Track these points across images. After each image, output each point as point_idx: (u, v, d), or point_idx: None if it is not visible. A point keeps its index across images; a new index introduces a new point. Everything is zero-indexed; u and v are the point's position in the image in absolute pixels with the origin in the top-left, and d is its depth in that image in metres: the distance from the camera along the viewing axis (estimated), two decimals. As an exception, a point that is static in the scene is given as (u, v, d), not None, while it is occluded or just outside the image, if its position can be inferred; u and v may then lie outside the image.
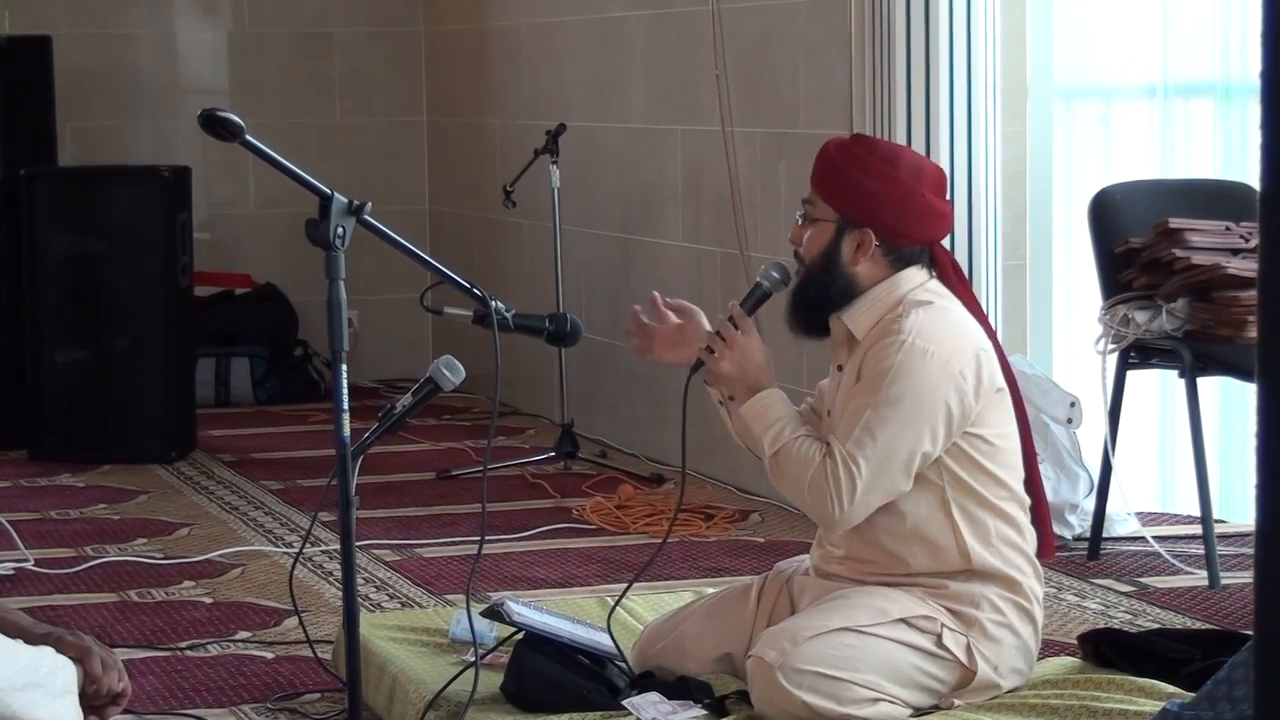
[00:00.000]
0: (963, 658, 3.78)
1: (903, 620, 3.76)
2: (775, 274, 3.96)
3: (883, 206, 3.83)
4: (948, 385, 3.73)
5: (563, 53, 7.98)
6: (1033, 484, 3.94)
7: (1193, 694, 3.45)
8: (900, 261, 3.86)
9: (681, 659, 4.00)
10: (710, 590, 4.49)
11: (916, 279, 3.86)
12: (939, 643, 3.77)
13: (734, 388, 3.89)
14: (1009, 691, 3.89)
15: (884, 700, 3.74)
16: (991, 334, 3.90)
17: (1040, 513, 3.95)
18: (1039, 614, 3.90)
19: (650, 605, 4.57)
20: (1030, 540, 3.89)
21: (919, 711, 3.80)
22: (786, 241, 4.03)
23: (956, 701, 3.82)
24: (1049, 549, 3.97)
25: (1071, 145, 6.36)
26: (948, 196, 3.99)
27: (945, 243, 4.03)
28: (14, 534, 5.83)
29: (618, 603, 4.19)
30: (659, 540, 5.96)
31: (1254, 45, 1.72)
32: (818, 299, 3.87)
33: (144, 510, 6.55)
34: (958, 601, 3.80)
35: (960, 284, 3.91)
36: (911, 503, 3.79)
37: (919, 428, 3.71)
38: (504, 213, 7.55)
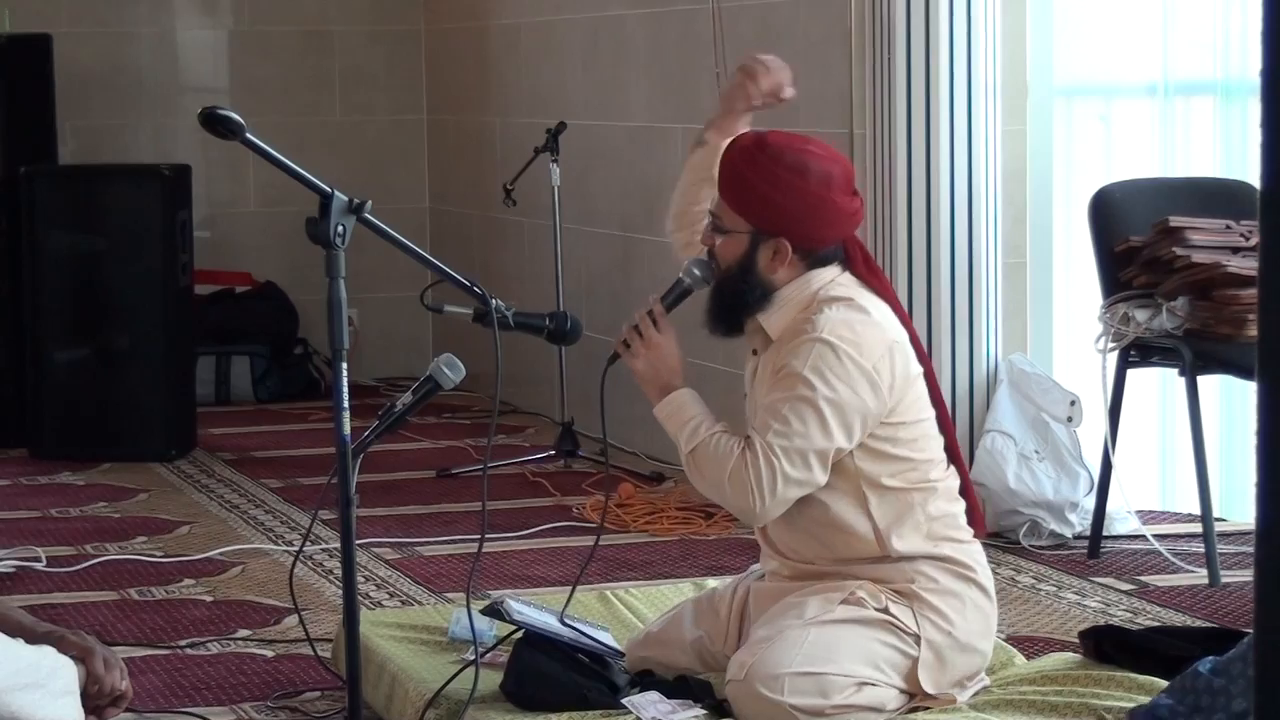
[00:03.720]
0: (911, 625, 3.78)
1: (847, 601, 3.77)
2: (697, 271, 3.94)
3: (793, 218, 3.83)
4: (862, 381, 3.75)
5: (563, 51, 7.98)
6: (955, 461, 3.94)
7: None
8: (816, 262, 3.87)
9: (665, 649, 4.02)
10: (712, 583, 4.50)
11: (828, 275, 3.87)
12: (888, 612, 3.78)
13: (646, 387, 3.92)
14: (1002, 684, 3.89)
15: (868, 684, 3.74)
16: (906, 320, 3.91)
17: (965, 490, 3.95)
18: (983, 578, 3.89)
19: (650, 601, 4.58)
20: (962, 511, 3.90)
21: (910, 698, 3.79)
22: (684, 263, 4.04)
23: (959, 698, 3.82)
24: (979, 525, 3.97)
25: (1072, 144, 6.36)
26: (858, 187, 3.98)
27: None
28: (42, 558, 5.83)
29: (570, 596, 4.18)
30: (661, 539, 5.98)
31: (1254, 44, 1.73)
32: (734, 305, 3.89)
33: (144, 508, 6.55)
34: (890, 580, 3.83)
35: (871, 274, 3.92)
36: (828, 494, 3.81)
37: (833, 423, 3.73)
38: (504, 211, 7.56)
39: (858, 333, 3.77)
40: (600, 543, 5.91)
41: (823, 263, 3.87)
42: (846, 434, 3.75)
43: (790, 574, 3.92)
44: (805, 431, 3.72)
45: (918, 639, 3.78)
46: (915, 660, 3.78)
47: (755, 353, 3.93)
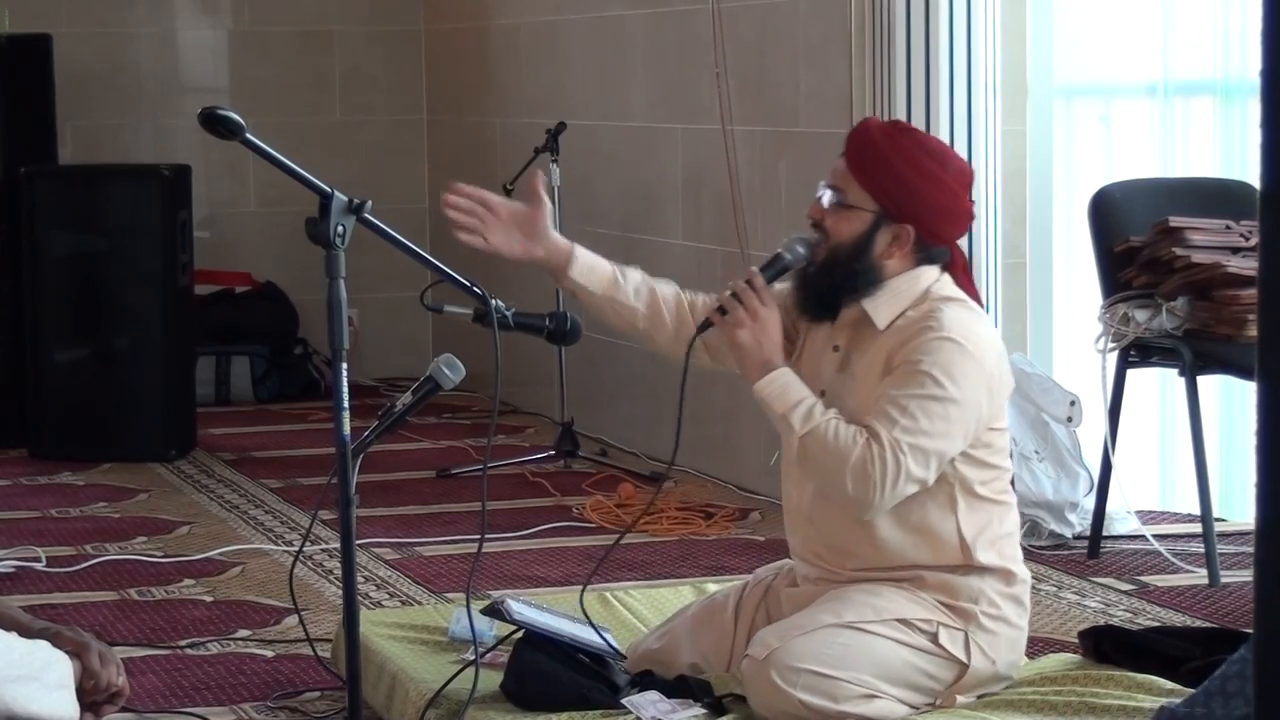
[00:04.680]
0: (960, 654, 3.76)
1: (900, 620, 3.75)
2: (800, 249, 3.84)
3: (927, 208, 3.78)
4: (982, 385, 3.71)
5: (563, 51, 7.98)
6: None
7: (1191, 690, 3.45)
8: (927, 258, 3.82)
9: (665, 670, 3.98)
10: (711, 586, 4.49)
11: (934, 273, 3.82)
12: (935, 641, 3.75)
13: (746, 361, 3.78)
14: (1007, 687, 3.89)
15: (879, 697, 3.73)
16: None
17: None
18: (1028, 598, 3.90)
19: (651, 602, 4.57)
20: (1018, 525, 3.90)
21: (916, 708, 3.79)
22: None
23: (960, 699, 3.81)
24: None
25: (1072, 144, 6.36)
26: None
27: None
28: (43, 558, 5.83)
29: (586, 586, 4.18)
30: (661, 539, 5.98)
31: (1254, 44, 1.73)
32: (840, 285, 3.79)
33: (144, 508, 6.55)
34: (955, 596, 3.78)
35: (968, 281, 3.89)
36: (922, 497, 3.75)
37: (955, 424, 3.68)
38: (504, 211, 7.54)
39: (979, 336, 3.73)
40: (603, 543, 5.92)
41: (931, 260, 3.82)
42: (964, 437, 3.71)
43: (842, 581, 3.86)
44: (931, 430, 3.65)
45: (961, 667, 3.77)
46: (945, 686, 3.77)
47: (836, 349, 3.85)
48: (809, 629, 3.72)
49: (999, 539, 3.81)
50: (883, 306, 3.78)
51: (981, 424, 3.73)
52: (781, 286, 3.90)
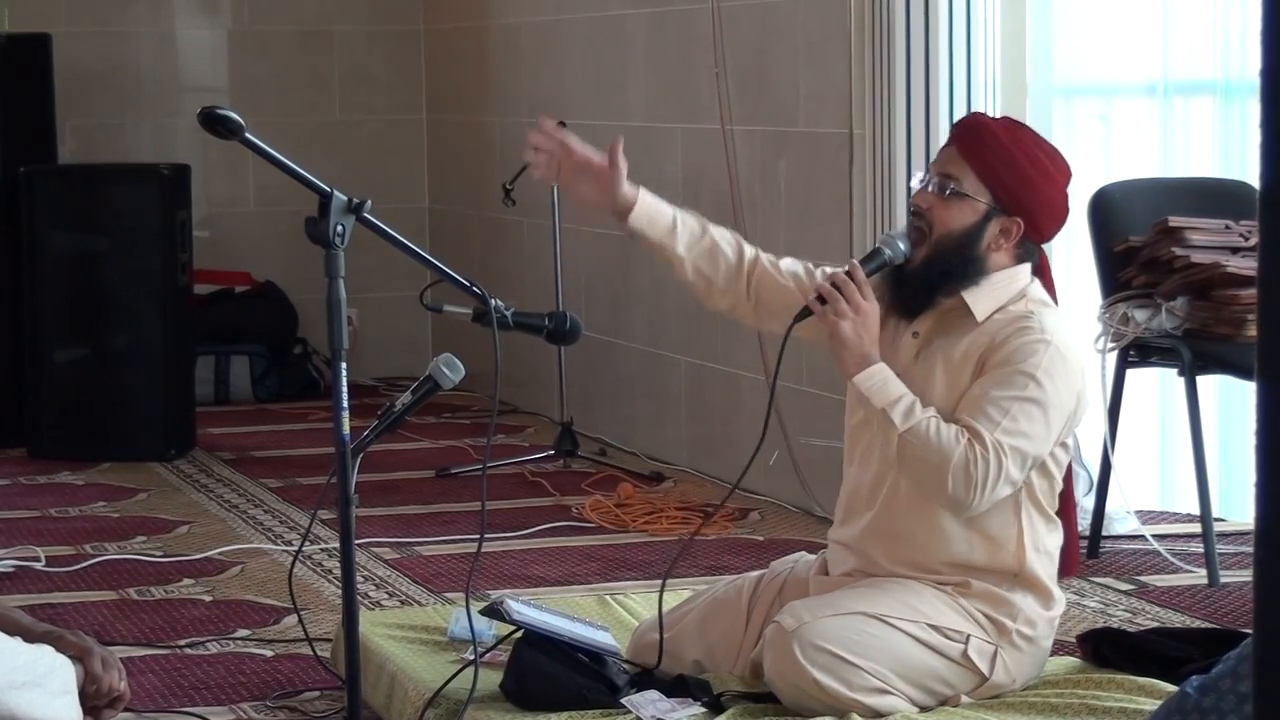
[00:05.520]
0: (984, 668, 3.77)
1: (932, 625, 3.76)
2: (901, 245, 3.83)
3: (1039, 203, 3.80)
4: (1074, 394, 3.73)
5: (562, 50, 7.98)
6: (1065, 496, 3.93)
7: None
8: (1023, 255, 3.84)
9: (671, 661, 3.98)
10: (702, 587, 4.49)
11: (1028, 275, 3.84)
12: (963, 651, 3.76)
13: (845, 353, 3.75)
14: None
15: (891, 693, 3.74)
16: None
17: (1069, 527, 3.95)
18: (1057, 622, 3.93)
19: (649, 604, 4.57)
20: (1059, 548, 3.90)
21: (923, 709, 3.79)
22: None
23: (964, 698, 3.81)
24: (1073, 564, 3.98)
25: (1071, 144, 6.35)
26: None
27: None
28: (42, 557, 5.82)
29: (661, 595, 4.17)
30: (660, 539, 5.98)
31: (1254, 43, 1.72)
32: (942, 276, 3.79)
33: (143, 508, 6.55)
34: (996, 607, 3.79)
35: (1049, 285, 3.90)
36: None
37: (1052, 429, 3.69)
38: (503, 211, 7.55)
39: (1075, 346, 3.76)
40: (603, 542, 5.93)
41: (1025, 256, 3.84)
42: (1058, 441, 3.73)
43: (881, 575, 3.87)
44: (1031, 433, 3.66)
45: (981, 678, 3.78)
46: (958, 693, 3.78)
47: (915, 335, 3.84)
48: (841, 611, 3.73)
49: (1046, 556, 3.83)
50: (983, 298, 3.79)
51: (1067, 431, 3.76)
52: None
